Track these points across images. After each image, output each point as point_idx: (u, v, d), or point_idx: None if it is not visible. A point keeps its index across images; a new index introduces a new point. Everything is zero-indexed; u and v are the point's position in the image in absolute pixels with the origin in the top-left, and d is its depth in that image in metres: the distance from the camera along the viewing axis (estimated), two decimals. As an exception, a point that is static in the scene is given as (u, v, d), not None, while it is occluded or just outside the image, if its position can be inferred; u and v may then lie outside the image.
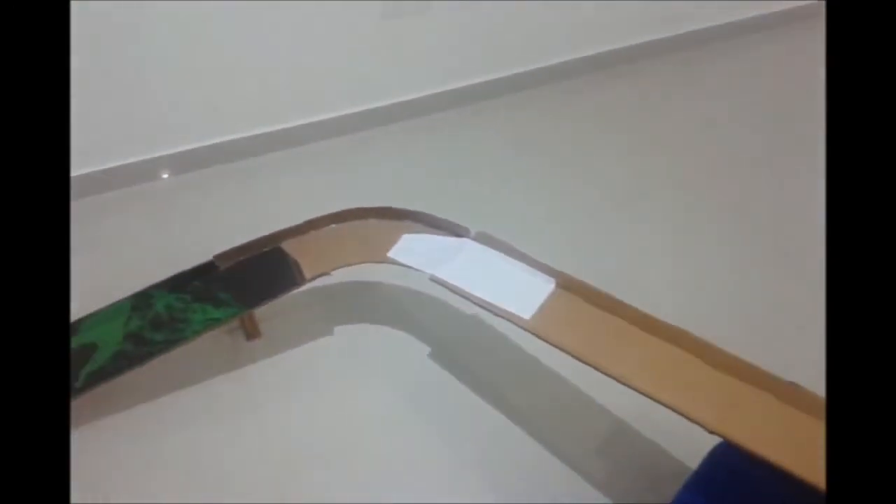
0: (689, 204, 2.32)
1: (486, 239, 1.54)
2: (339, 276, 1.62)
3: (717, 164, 2.55)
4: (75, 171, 2.16)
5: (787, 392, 1.18)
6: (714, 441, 1.20)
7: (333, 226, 1.67)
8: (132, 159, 2.24)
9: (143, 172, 2.26)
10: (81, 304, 1.60)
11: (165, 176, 2.30)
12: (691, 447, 1.33)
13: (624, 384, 1.21)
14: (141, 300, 1.60)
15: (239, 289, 1.59)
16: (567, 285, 1.41)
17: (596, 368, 1.25)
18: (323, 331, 1.76)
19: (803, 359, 1.48)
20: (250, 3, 2.12)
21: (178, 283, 1.61)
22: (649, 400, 1.19)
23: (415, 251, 1.56)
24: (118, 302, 1.60)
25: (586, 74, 3.09)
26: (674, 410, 1.17)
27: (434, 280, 1.48)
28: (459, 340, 1.75)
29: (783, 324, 1.84)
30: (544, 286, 1.41)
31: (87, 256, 1.99)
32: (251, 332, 1.72)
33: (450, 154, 2.52)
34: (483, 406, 1.59)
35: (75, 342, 1.56)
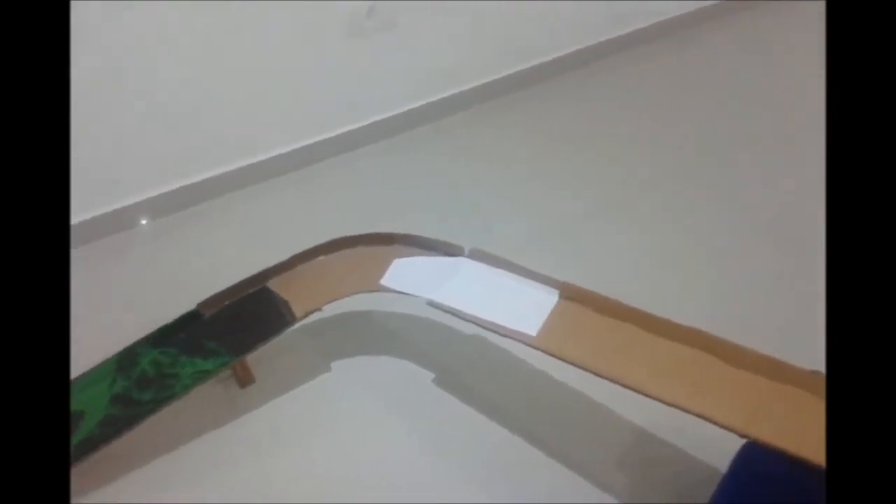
0: (687, 201, 2.28)
1: (481, 255, 1.48)
2: (330, 308, 1.55)
3: (711, 157, 2.51)
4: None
5: (813, 383, 1.13)
6: (740, 440, 1.15)
7: (321, 258, 1.60)
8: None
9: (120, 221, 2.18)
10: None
11: (144, 222, 2.21)
12: (717, 448, 1.28)
13: (644, 395, 1.15)
14: (125, 359, 1.51)
15: (227, 336, 1.51)
16: (572, 295, 1.35)
17: (612, 381, 1.19)
18: (320, 368, 1.68)
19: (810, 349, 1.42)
20: (204, 35, 2.04)
21: (163, 337, 1.52)
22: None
23: (408, 276, 1.49)
24: (101, 363, 1.51)
25: (559, 76, 3.04)
26: (700, 417, 1.11)
27: (432, 304, 1.41)
28: (463, 362, 1.68)
29: (790, 318, 1.79)
30: (548, 298, 1.35)
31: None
32: (244, 379, 1.63)
33: (427, 172, 2.44)
34: (496, 428, 1.52)
35: (59, 411, 1.46)
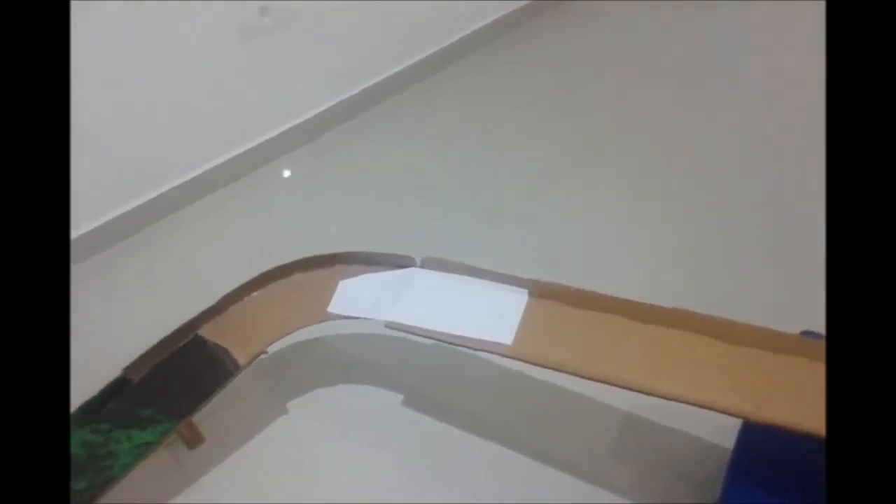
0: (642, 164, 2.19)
1: (435, 263, 1.34)
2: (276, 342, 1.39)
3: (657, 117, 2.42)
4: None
5: (815, 349, 1.05)
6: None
7: (255, 294, 1.42)
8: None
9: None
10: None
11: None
12: (714, 423, 1.20)
13: (644, 393, 1.05)
14: (48, 447, 1.30)
15: (164, 399, 1.32)
16: (543, 293, 1.23)
17: (605, 383, 1.08)
18: (275, 410, 1.51)
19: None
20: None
21: (89, 413, 1.32)
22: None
23: (357, 298, 1.34)
24: (20, 457, 1.30)
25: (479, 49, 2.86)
26: (709, 409, 1.01)
27: (391, 326, 1.26)
28: (431, 376, 1.55)
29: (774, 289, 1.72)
30: (517, 300, 1.23)
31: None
32: (192, 440, 1.45)
33: (351, 175, 2.25)
34: (480, 441, 1.41)
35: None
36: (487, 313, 1.22)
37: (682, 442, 1.37)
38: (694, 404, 1.01)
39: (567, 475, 1.34)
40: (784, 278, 1.73)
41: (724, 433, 1.29)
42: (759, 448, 1.13)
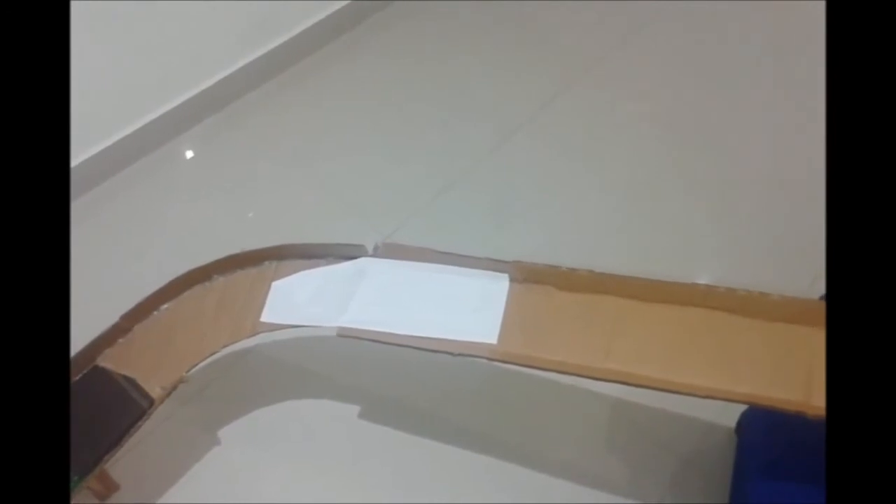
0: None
1: (392, 250, 1.09)
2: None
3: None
4: None
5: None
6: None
7: (165, 307, 1.14)
8: None
9: None
10: None
11: None
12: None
13: (667, 390, 0.87)
14: None
15: (59, 453, 1.04)
16: (527, 277, 1.01)
17: (617, 382, 0.89)
18: (204, 441, 1.27)
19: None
20: None
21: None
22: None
23: (297, 302, 1.09)
24: None
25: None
26: (747, 403, 0.84)
27: (344, 335, 1.03)
28: (392, 380, 1.33)
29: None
30: (497, 288, 1.01)
31: None
32: (104, 490, 1.19)
33: (267, 146, 1.92)
34: (457, 452, 1.22)
35: None
36: (463, 308, 1.00)
37: (681, 423, 1.22)
38: (730, 399, 0.84)
39: (558, 479, 1.17)
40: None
41: (726, 410, 1.15)
42: (767, 429, 0.99)
